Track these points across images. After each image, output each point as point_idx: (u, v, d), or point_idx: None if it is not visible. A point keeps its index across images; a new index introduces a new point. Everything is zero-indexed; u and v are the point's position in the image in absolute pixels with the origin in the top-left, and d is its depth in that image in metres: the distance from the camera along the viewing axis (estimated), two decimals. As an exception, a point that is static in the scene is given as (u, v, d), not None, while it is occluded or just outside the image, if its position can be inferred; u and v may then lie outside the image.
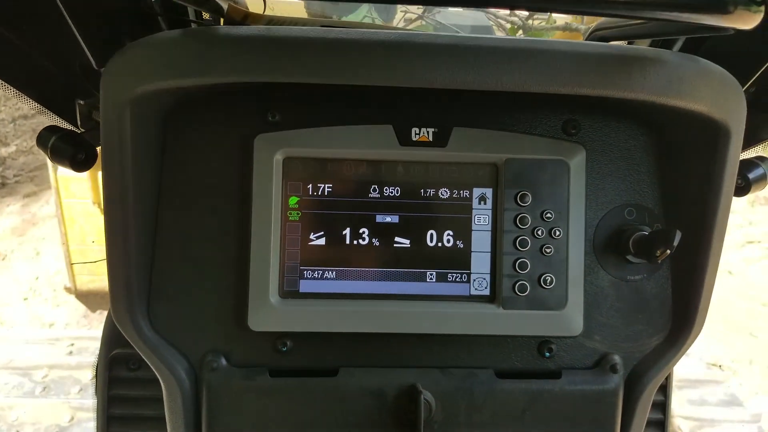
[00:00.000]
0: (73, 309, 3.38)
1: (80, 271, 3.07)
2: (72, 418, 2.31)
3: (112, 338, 0.94)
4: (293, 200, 0.74)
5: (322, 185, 0.74)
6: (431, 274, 0.75)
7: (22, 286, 3.60)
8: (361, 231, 0.74)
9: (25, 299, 3.52)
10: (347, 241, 0.74)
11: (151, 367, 0.74)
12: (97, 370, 0.97)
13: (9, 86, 0.74)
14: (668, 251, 0.68)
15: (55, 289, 3.54)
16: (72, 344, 2.75)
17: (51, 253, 3.78)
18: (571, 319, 0.75)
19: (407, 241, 0.75)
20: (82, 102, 0.80)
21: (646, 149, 0.78)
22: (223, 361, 0.75)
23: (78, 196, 2.89)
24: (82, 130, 0.81)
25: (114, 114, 0.64)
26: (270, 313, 0.72)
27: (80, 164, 0.74)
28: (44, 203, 4.34)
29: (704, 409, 2.16)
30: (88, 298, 3.23)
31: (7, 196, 4.51)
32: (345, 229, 0.74)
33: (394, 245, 0.75)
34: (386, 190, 0.75)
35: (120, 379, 0.95)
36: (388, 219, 0.75)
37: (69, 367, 2.54)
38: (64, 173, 2.82)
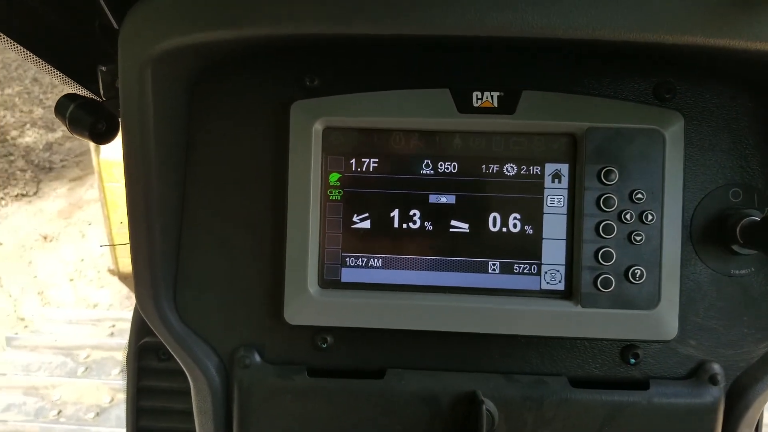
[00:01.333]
0: (116, 290, 3.46)
1: (123, 254, 3.12)
2: (112, 399, 2.33)
3: (141, 326, 0.89)
4: (334, 177, 0.65)
5: (367, 160, 0.65)
6: (494, 265, 0.65)
7: (68, 268, 3.69)
8: (411, 213, 0.65)
9: (71, 280, 3.61)
10: (395, 225, 0.65)
11: (179, 361, 0.67)
12: (127, 360, 0.91)
13: (29, 53, 0.68)
14: None
15: (99, 270, 3.62)
16: (113, 325, 2.79)
17: (96, 236, 3.86)
18: (664, 320, 0.63)
19: (465, 226, 0.65)
20: (104, 68, 0.73)
21: (755, 117, 0.66)
22: (257, 357, 0.67)
23: (120, 180, 2.91)
24: (105, 99, 0.74)
25: (133, 76, 0.57)
26: (308, 304, 0.64)
27: (101, 135, 0.67)
28: (89, 187, 4.44)
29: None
30: (130, 280, 3.27)
31: (54, 180, 4.64)
32: (393, 211, 0.65)
33: (450, 230, 0.65)
34: (441, 165, 0.65)
35: (150, 370, 0.89)
36: (444, 199, 0.65)
37: (110, 348, 2.57)
38: (107, 157, 2.85)
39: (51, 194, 4.45)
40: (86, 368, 2.48)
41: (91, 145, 2.72)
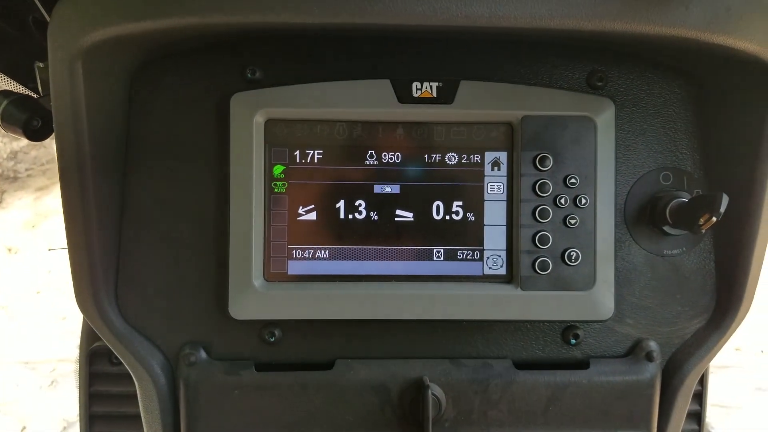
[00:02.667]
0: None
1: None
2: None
3: (91, 330, 0.87)
4: (278, 169, 0.65)
5: (311, 151, 0.65)
6: (438, 252, 0.66)
7: (36, 279, 3.58)
8: (357, 204, 0.65)
9: (38, 293, 3.50)
10: (341, 216, 0.65)
11: (122, 361, 0.66)
12: (78, 365, 0.90)
13: None
14: (713, 219, 0.58)
15: (69, 281, 3.52)
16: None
17: (64, 246, 3.76)
18: (601, 300, 0.65)
19: (410, 215, 0.66)
20: (41, 65, 0.72)
21: (683, 103, 0.68)
22: (203, 354, 0.66)
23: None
24: (43, 96, 0.73)
25: (63, 69, 0.56)
26: (254, 299, 0.64)
27: (35, 133, 0.66)
28: (56, 196, 4.31)
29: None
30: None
31: (19, 190, 4.50)
32: (338, 202, 0.65)
33: (395, 219, 0.66)
34: (385, 155, 0.65)
35: (102, 374, 0.88)
36: (388, 189, 0.65)
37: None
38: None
39: (16, 204, 4.32)
40: (52, 382, 2.41)
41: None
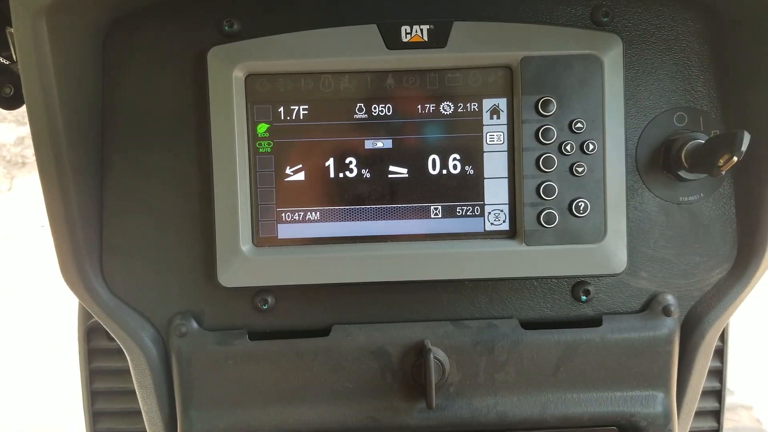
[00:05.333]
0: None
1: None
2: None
3: (87, 306, 0.85)
4: (262, 128, 0.61)
5: (296, 107, 0.61)
6: (436, 209, 0.62)
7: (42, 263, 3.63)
8: (347, 161, 0.61)
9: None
10: (331, 175, 0.62)
11: (112, 335, 0.64)
12: (78, 342, 0.88)
13: None
14: (734, 158, 0.53)
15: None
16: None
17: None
18: (612, 252, 0.60)
19: (404, 171, 0.62)
20: (12, 30, 0.68)
21: (697, 37, 0.63)
22: (194, 324, 0.64)
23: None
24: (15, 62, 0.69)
25: (26, 27, 0.53)
26: (243, 265, 0.61)
27: (8, 101, 0.62)
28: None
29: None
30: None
31: (27, 175, 4.53)
32: (328, 160, 0.61)
33: (389, 176, 0.62)
34: (375, 108, 0.61)
35: (101, 351, 0.86)
36: (380, 144, 0.61)
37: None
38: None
39: (23, 187, 4.35)
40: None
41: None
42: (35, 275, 3.38)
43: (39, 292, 3.22)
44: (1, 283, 3.30)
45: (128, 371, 0.83)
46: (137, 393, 0.66)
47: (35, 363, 2.52)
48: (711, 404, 0.83)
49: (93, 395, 0.86)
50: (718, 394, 0.82)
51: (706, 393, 0.81)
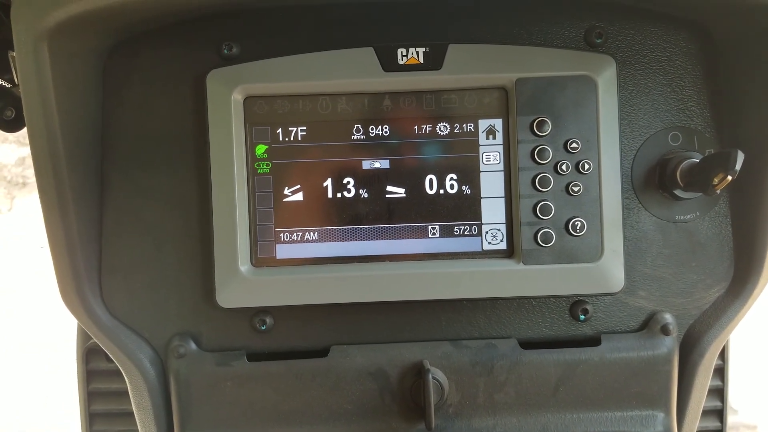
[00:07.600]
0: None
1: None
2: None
3: (86, 327, 0.84)
4: (261, 149, 0.62)
5: (294, 128, 0.62)
6: (434, 229, 0.62)
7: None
8: (345, 181, 0.62)
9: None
10: (329, 195, 0.62)
11: (110, 356, 0.64)
12: (77, 364, 0.87)
13: None
14: (729, 177, 0.54)
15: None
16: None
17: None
18: (610, 271, 0.60)
19: (402, 190, 0.62)
20: (14, 53, 0.69)
21: (690, 57, 0.64)
22: (192, 345, 0.64)
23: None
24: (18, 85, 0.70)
25: (28, 51, 0.54)
26: (242, 285, 0.61)
27: (9, 123, 0.63)
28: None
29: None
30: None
31: (28, 195, 4.55)
32: (326, 180, 0.62)
33: (386, 196, 0.62)
34: (372, 129, 0.62)
35: (99, 372, 0.85)
36: (377, 164, 0.62)
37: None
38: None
39: (23, 209, 4.36)
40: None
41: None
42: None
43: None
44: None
45: (127, 393, 0.83)
46: (135, 414, 0.66)
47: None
48: (713, 423, 0.82)
49: (91, 417, 0.85)
50: (719, 414, 0.82)
51: (707, 412, 0.81)
